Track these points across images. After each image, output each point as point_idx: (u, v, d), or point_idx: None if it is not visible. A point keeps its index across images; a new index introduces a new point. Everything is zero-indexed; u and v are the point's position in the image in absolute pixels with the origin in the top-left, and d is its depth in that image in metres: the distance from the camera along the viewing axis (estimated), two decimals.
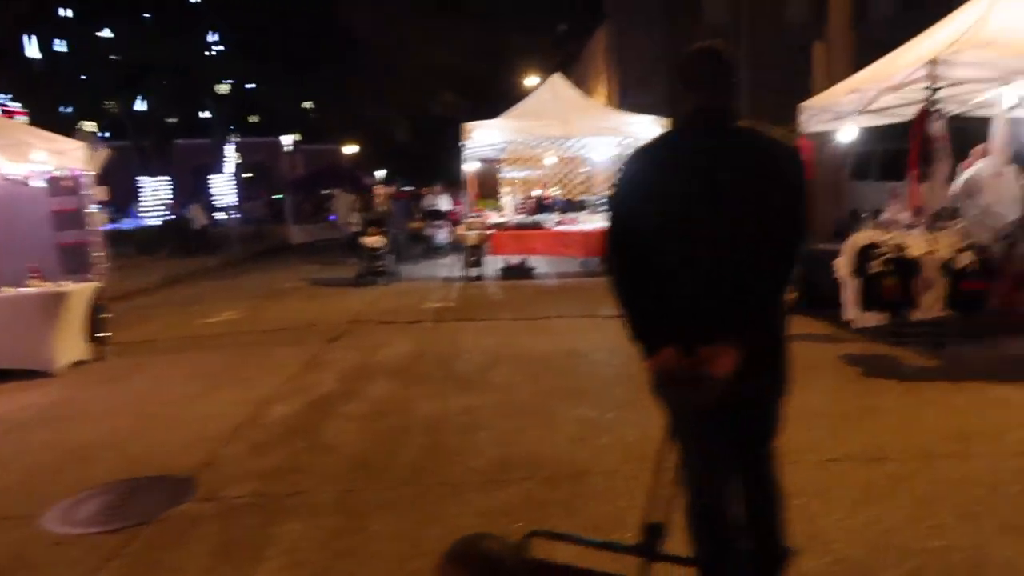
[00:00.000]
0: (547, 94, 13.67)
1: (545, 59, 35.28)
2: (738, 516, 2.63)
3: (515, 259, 13.49)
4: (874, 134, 11.76)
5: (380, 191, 15.55)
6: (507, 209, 15.66)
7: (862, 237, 6.80)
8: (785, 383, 2.61)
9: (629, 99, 30.17)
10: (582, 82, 36.68)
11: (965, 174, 8.01)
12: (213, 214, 30.83)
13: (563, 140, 12.97)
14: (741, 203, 2.32)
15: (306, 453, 4.86)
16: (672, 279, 2.45)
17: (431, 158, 36.73)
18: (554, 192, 17.32)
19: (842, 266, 7.02)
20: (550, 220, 14.33)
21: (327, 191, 26.08)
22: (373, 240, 13.11)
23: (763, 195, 2.31)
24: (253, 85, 47.73)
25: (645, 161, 2.57)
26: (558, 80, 14.47)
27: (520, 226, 13.59)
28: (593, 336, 8.05)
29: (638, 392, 3.27)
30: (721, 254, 2.38)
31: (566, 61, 39.36)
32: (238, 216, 30.57)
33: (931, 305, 6.42)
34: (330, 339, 8.57)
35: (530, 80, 28.62)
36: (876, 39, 10.79)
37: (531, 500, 4.06)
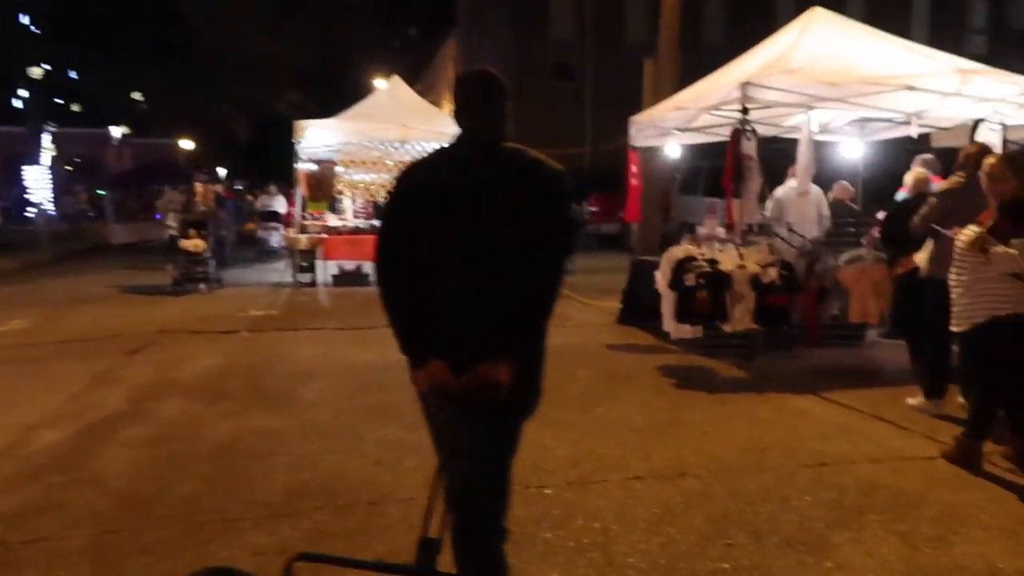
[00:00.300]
0: (385, 96, 13.29)
1: (395, 62, 34.67)
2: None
3: (349, 265, 12.98)
4: (701, 151, 12.26)
5: (201, 189, 14.42)
6: (347, 213, 15.11)
7: (678, 251, 6.92)
8: (537, 401, 2.57)
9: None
10: (432, 88, 36.44)
11: (775, 193, 8.39)
12: (26, 208, 28.02)
13: (400, 144, 12.63)
14: (503, 223, 2.33)
15: (63, 488, 4.23)
16: (440, 293, 2.41)
17: (274, 158, 35.24)
18: None
19: (660, 279, 7.12)
20: None
21: (156, 187, 24.26)
22: (192, 243, 12.18)
23: (526, 216, 2.32)
24: (74, 73, 44.06)
25: (418, 175, 2.55)
26: (398, 83, 14.11)
27: (356, 231, 13.09)
28: None
29: None
30: (486, 271, 2.35)
31: (416, 66, 38.96)
32: (51, 213, 27.85)
33: (741, 318, 6.61)
34: (129, 351, 7.77)
35: (380, 83, 28.02)
36: (707, 63, 11.25)
37: (319, 534, 3.70)
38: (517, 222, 2.31)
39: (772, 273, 6.49)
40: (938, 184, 8.35)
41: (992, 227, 4.36)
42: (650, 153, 11.20)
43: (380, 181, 16.56)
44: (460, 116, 2.50)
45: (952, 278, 4.56)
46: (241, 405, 5.85)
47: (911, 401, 5.68)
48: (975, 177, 5.32)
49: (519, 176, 2.39)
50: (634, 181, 10.09)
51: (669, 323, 6.91)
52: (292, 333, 8.81)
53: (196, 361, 7.36)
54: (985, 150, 5.41)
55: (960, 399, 5.64)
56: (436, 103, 32.21)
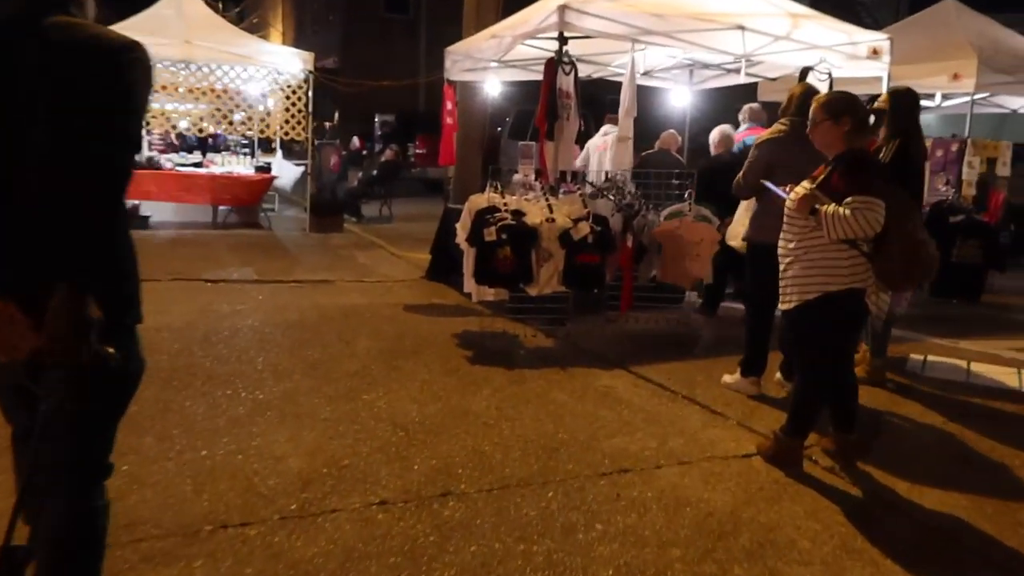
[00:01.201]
0: (169, 9, 11.22)
1: None
2: None
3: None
4: (534, 92, 11.25)
5: None
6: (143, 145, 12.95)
7: (479, 199, 5.85)
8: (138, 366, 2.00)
9: (306, 36, 27.73)
10: (260, 15, 33.21)
11: (594, 139, 7.48)
12: None
13: (185, 65, 10.69)
14: (45, 109, 1.75)
15: None
16: None
17: None
18: (219, 129, 14.67)
19: (460, 231, 6.04)
20: (185, 159, 12.03)
21: None
22: None
23: (73, 99, 1.76)
24: None
25: None
26: None
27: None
28: (178, 308, 6.30)
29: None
30: (24, 167, 1.77)
31: None
32: None
33: (548, 279, 5.67)
34: None
35: None
36: None
37: None
38: (65, 107, 1.75)
39: (583, 229, 5.57)
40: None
41: (821, 183, 3.56)
42: (469, 90, 10.03)
43: (193, 111, 14.30)
44: None
45: (781, 246, 3.76)
46: None
47: (727, 379, 4.97)
48: (802, 124, 4.57)
49: (66, 53, 1.79)
50: (449, 120, 8.89)
51: (469, 283, 5.86)
52: None
53: None
54: (810, 92, 4.66)
55: (779, 376, 5.00)
56: (261, 27, 29.31)
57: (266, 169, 11.87)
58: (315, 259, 9.35)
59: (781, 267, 3.74)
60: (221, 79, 11.07)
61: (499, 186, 5.93)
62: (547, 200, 5.75)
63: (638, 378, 5.08)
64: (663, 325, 6.45)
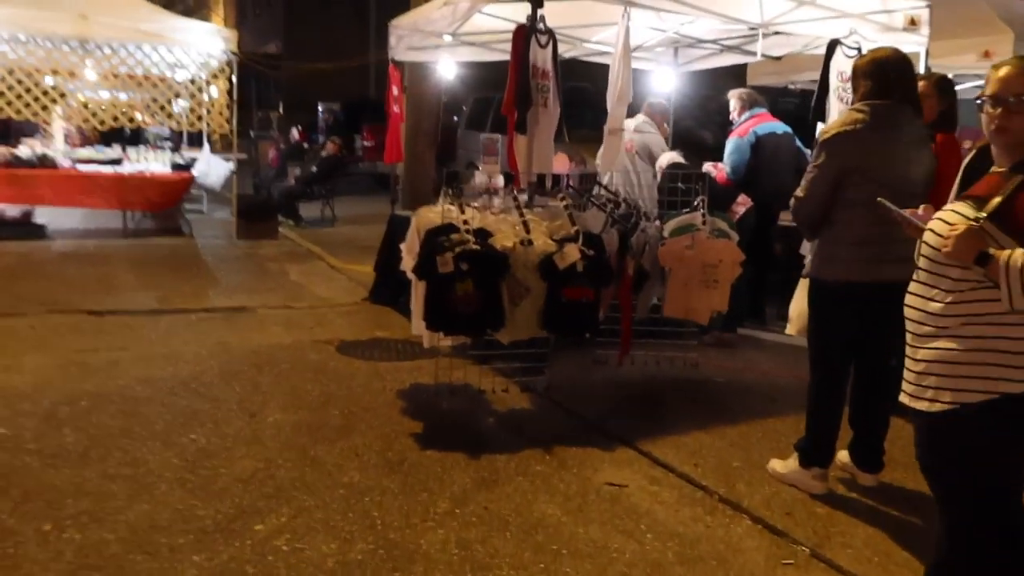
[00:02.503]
0: None
1: None
2: None
3: (13, 210, 9.22)
4: (494, 78, 9.74)
5: None
6: (57, 140, 11.04)
7: (430, 215, 4.32)
8: None
9: (247, 20, 25.70)
10: None
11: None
12: None
13: (79, 44, 8.89)
14: None
15: None
16: None
17: None
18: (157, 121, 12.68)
19: (406, 256, 4.52)
20: (103, 154, 10.19)
21: None
22: None
23: None
24: None
25: None
26: None
27: (21, 163, 9.25)
28: (36, 358, 4.66)
29: None
30: None
31: None
32: None
33: (525, 322, 4.18)
34: None
35: None
36: None
37: None
38: None
39: (571, 254, 4.08)
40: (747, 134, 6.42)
41: (1000, 208, 2.11)
42: (419, 72, 8.46)
43: (121, 100, 12.32)
44: None
45: (914, 305, 2.29)
46: None
47: (777, 467, 3.53)
48: (889, 111, 3.19)
49: None
50: (395, 108, 7.30)
51: (418, 325, 4.35)
52: None
53: None
54: (898, 60, 3.25)
55: (845, 458, 3.58)
56: (198, 9, 27.09)
57: (185, 167, 10.14)
58: (237, 276, 7.70)
59: (912, 338, 2.28)
60: (126, 60, 9.31)
61: (456, 194, 4.40)
62: (521, 214, 4.24)
63: (654, 465, 3.62)
64: (671, 369, 5.01)
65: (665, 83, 8.39)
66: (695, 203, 4.83)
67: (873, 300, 3.24)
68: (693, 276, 4.67)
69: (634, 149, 6.29)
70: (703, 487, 3.40)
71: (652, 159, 6.24)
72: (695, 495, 3.34)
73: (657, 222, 4.91)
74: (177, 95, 10.32)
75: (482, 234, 4.13)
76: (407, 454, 3.63)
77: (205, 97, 10.42)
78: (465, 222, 4.07)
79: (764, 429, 4.09)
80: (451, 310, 4.02)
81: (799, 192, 3.23)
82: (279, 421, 3.97)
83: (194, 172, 11.00)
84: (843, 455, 3.52)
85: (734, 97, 6.48)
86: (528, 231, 4.11)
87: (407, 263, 4.52)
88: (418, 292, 4.33)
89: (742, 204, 5.80)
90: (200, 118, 10.47)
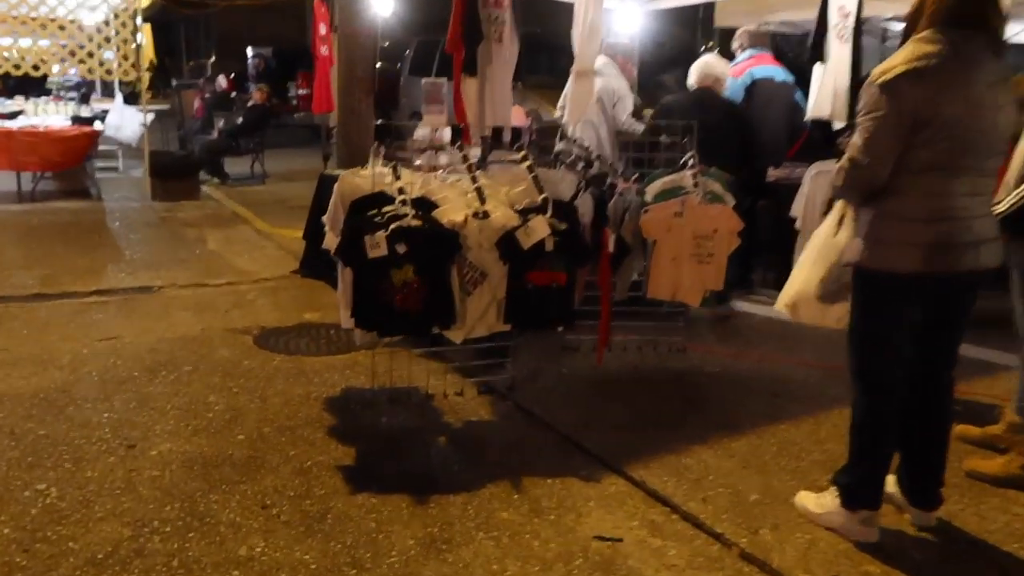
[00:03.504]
0: None
1: None
2: None
3: None
4: (438, 18, 8.62)
5: None
6: None
7: (356, 180, 3.33)
8: None
9: None
10: None
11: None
12: None
13: None
14: None
15: None
16: None
17: None
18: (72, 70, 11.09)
19: (329, 232, 3.54)
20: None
21: None
22: None
23: None
24: None
25: None
26: None
27: None
28: None
29: None
30: None
31: None
32: None
33: (481, 316, 3.27)
34: None
35: None
36: None
37: None
38: None
39: (539, 228, 3.16)
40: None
41: None
42: (351, 9, 7.29)
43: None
44: None
45: None
46: None
47: (808, 505, 2.70)
48: (967, 41, 2.33)
49: None
50: (323, 49, 6.21)
51: (346, 319, 3.40)
52: None
53: None
54: None
55: (893, 487, 2.78)
56: None
57: (88, 121, 8.82)
58: (144, 247, 6.59)
59: None
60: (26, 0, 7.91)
61: (391, 153, 3.41)
62: (474, 179, 3.28)
63: (652, 502, 2.78)
64: (653, 356, 4.17)
65: (628, 23, 7.41)
66: (683, 159, 3.94)
67: (945, 295, 2.43)
68: (683, 249, 3.81)
69: (593, 97, 5.36)
70: (718, 536, 2.58)
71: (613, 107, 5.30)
72: (710, 550, 2.51)
73: (634, 184, 4.01)
74: (90, 39, 8.94)
75: (424, 205, 3.18)
76: (331, 502, 2.71)
77: (117, 42, 9.04)
78: (401, 190, 3.10)
79: (777, 439, 3.29)
80: (386, 305, 3.08)
81: (856, 154, 2.34)
82: (166, 455, 3.01)
83: (105, 125, 9.71)
84: (888, 482, 2.73)
85: (735, 38, 5.67)
86: (483, 200, 3.16)
87: (330, 241, 3.55)
88: (344, 278, 3.37)
89: None
90: (110, 71, 9.10)
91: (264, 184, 9.89)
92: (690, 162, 3.87)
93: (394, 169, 3.18)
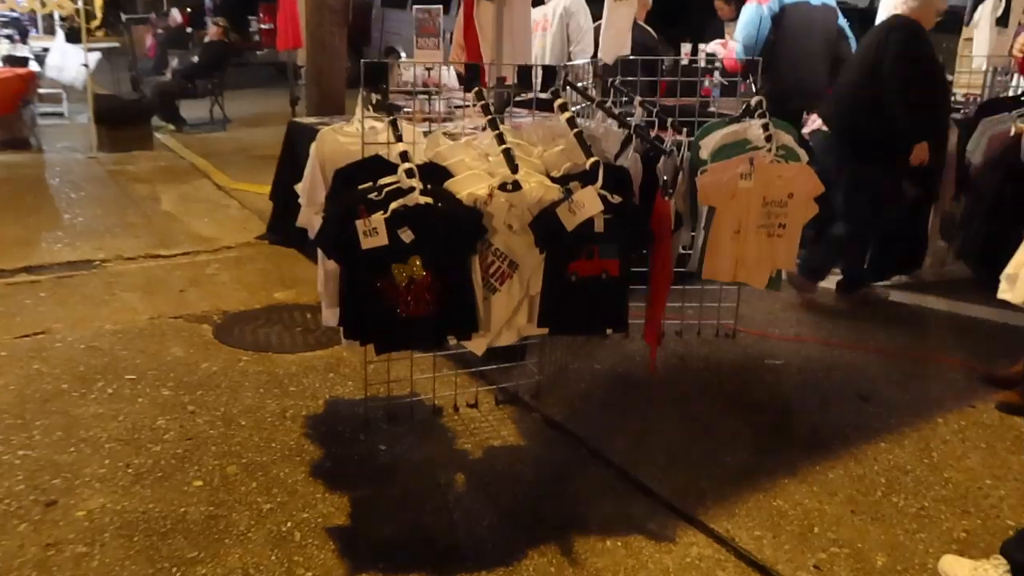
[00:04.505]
0: None
1: None
2: None
3: None
4: None
5: None
6: None
7: (339, 139, 2.48)
8: None
9: None
10: None
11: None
12: None
13: None
14: None
15: None
16: None
17: None
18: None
19: (305, 207, 2.69)
20: None
21: None
22: None
23: None
24: None
25: None
26: None
27: None
28: None
29: None
30: None
31: None
32: None
33: (508, 317, 2.48)
34: None
35: None
36: None
37: None
38: None
39: (588, 201, 2.34)
40: None
41: None
42: None
43: None
44: None
45: None
46: None
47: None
48: None
49: None
50: None
51: (330, 314, 2.59)
52: None
53: None
54: None
55: None
56: None
57: (21, 62, 7.68)
58: (88, 209, 5.62)
59: None
60: None
61: (383, 101, 2.53)
62: (500, 136, 2.43)
63: (742, 565, 2.08)
64: (704, 347, 3.42)
65: None
66: (749, 104, 3.12)
67: None
68: (749, 219, 3.02)
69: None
70: None
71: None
72: None
73: (686, 137, 3.19)
74: None
75: (433, 173, 2.34)
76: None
77: None
78: (404, 155, 2.25)
79: (881, 465, 2.59)
80: (386, 311, 2.27)
81: None
82: (96, 517, 2.22)
83: (46, 66, 8.54)
84: None
85: None
86: (514, 166, 2.32)
87: (306, 219, 2.71)
88: (326, 267, 2.55)
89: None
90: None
91: (225, 131, 8.82)
92: (757, 114, 3.05)
93: (392, 125, 2.32)
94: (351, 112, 5.76)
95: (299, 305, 3.91)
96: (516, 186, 2.33)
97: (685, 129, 3.16)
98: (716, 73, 5.47)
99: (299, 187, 2.73)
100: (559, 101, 2.53)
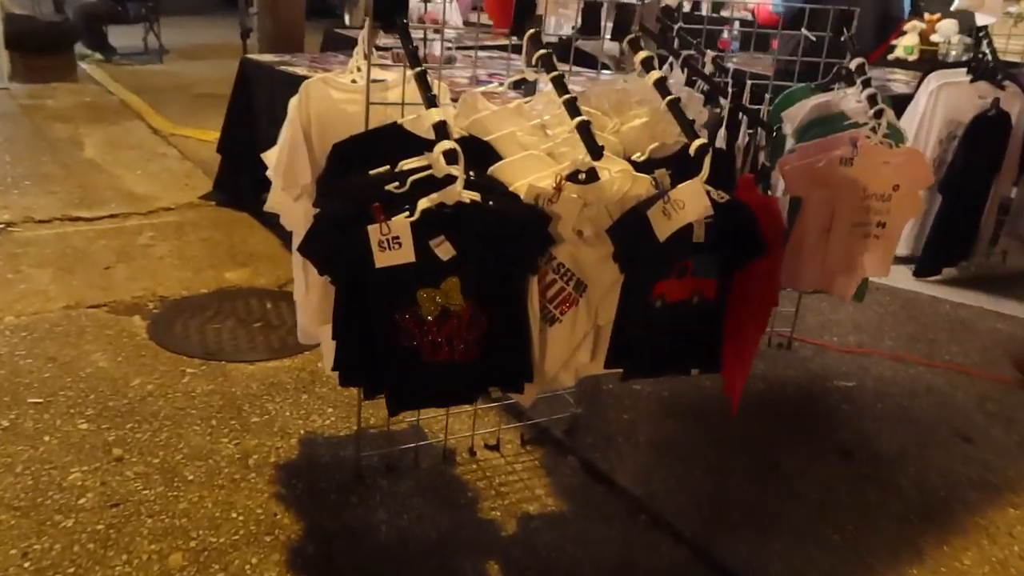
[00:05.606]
0: None
1: None
2: None
3: None
4: None
5: None
6: None
7: (332, 95, 1.71)
8: None
9: None
10: None
11: None
12: None
13: None
14: None
15: None
16: None
17: None
18: None
19: (277, 193, 1.91)
20: None
21: None
22: None
23: None
24: None
25: None
26: None
27: None
28: None
29: None
30: None
31: None
32: None
33: (568, 357, 1.78)
34: None
35: None
36: None
37: None
38: None
39: (691, 200, 1.65)
40: None
41: None
42: None
43: None
44: None
45: None
46: None
47: None
48: None
49: None
50: None
51: (313, 332, 1.85)
52: None
53: None
54: None
55: None
56: None
57: None
58: None
59: None
60: None
61: (408, 48, 1.75)
62: (571, 102, 1.67)
63: None
64: (759, 361, 2.79)
65: None
66: (840, 69, 2.43)
67: None
68: (843, 216, 2.36)
69: None
70: None
71: None
72: None
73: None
74: None
75: (475, 152, 1.59)
76: None
77: None
78: (441, 127, 1.49)
79: (1021, 545, 2.02)
80: (406, 355, 1.53)
81: None
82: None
83: None
84: None
85: None
86: (597, 151, 1.58)
87: (276, 202, 1.93)
88: (311, 271, 1.79)
89: None
90: None
91: (162, 63, 7.69)
92: (859, 75, 2.36)
93: (420, 78, 1.55)
94: (311, 50, 4.89)
95: (255, 290, 3.13)
96: (592, 175, 1.60)
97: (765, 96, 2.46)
98: (737, 23, 4.80)
99: (268, 157, 1.93)
100: (641, 54, 1.78)
